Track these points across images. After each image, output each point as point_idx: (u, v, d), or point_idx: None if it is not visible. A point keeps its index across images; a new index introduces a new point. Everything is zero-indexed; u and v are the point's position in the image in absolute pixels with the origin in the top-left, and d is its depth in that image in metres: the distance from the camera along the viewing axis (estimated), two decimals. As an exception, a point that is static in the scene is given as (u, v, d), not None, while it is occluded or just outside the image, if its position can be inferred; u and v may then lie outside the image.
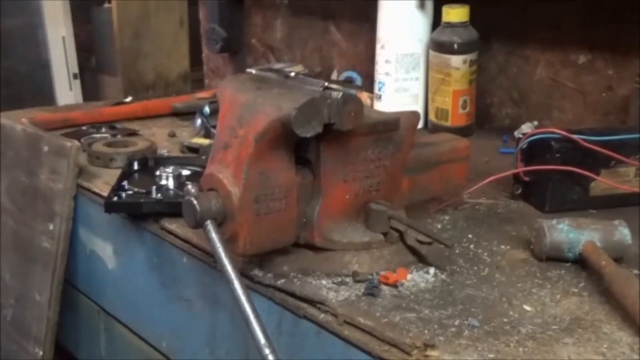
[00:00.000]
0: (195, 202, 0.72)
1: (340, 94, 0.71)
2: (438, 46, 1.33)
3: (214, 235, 0.70)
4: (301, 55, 1.74)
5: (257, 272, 0.81)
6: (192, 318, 0.97)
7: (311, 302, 0.76)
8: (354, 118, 0.73)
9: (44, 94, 2.62)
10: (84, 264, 1.21)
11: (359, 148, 0.80)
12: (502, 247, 0.88)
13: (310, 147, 0.77)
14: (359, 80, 1.53)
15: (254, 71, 0.81)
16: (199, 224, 0.73)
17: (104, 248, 1.15)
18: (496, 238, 0.91)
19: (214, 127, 1.20)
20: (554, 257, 0.83)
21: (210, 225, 0.71)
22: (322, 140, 0.76)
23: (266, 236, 0.76)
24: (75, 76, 2.67)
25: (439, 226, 0.94)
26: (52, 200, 1.17)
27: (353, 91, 0.76)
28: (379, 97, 1.41)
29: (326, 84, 0.76)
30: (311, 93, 0.72)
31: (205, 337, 0.95)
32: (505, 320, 0.71)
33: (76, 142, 1.18)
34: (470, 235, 0.91)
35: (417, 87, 1.39)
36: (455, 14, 1.30)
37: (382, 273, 0.80)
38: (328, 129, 0.73)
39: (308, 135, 0.72)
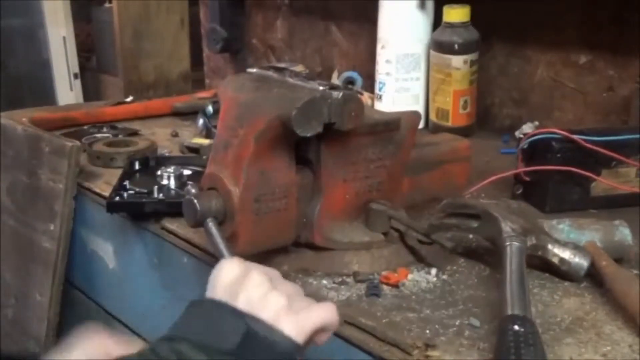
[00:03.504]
0: (195, 200, 0.72)
1: (341, 93, 0.71)
2: (439, 46, 1.33)
3: (215, 232, 0.70)
4: (302, 55, 1.74)
5: (258, 272, 0.81)
6: (192, 318, 0.96)
7: (312, 302, 0.76)
8: (355, 118, 0.73)
9: (44, 94, 2.62)
10: (84, 264, 1.21)
11: (359, 148, 0.80)
12: (503, 247, 0.88)
13: (310, 147, 0.77)
14: (359, 81, 1.53)
15: (254, 70, 0.81)
16: (199, 223, 0.73)
17: (104, 248, 1.15)
18: (497, 238, 0.90)
19: (216, 127, 1.20)
20: (555, 258, 0.83)
21: (211, 222, 0.71)
22: (323, 139, 0.76)
23: (266, 236, 0.76)
24: (75, 76, 2.67)
25: (440, 226, 0.94)
26: (53, 200, 1.17)
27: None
28: (380, 97, 1.41)
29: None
30: (312, 92, 0.71)
31: (205, 337, 0.95)
32: (506, 320, 0.71)
33: (77, 142, 1.17)
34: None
35: (418, 87, 1.39)
36: (456, 14, 1.30)
37: (384, 273, 0.80)
38: (328, 129, 0.73)
39: (308, 135, 0.72)
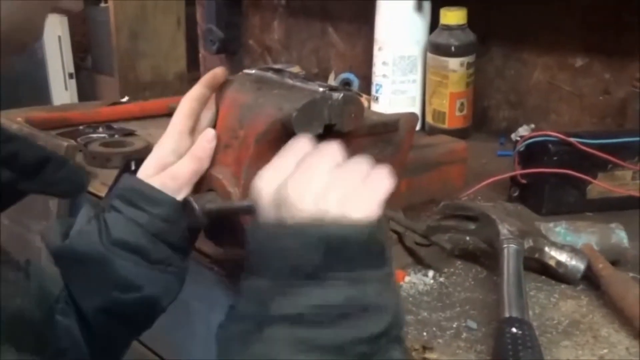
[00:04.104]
0: (192, 201, 0.71)
1: (341, 94, 0.71)
2: (435, 48, 1.33)
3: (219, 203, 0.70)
4: (298, 57, 1.74)
5: (255, 273, 0.81)
6: (188, 319, 0.96)
7: (309, 303, 0.76)
8: (355, 119, 0.73)
9: (39, 94, 2.61)
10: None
11: (358, 149, 0.79)
12: (500, 249, 0.88)
13: (309, 148, 0.77)
14: (356, 82, 1.53)
15: (253, 71, 0.81)
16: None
17: (100, 248, 1.14)
18: (494, 240, 0.91)
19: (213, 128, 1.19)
20: (552, 260, 0.83)
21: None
22: (322, 141, 0.76)
23: (265, 237, 0.76)
24: (70, 76, 2.66)
25: (437, 228, 0.94)
26: (48, 200, 1.16)
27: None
28: (376, 99, 1.41)
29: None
30: (312, 94, 0.71)
31: (201, 338, 0.95)
32: (503, 322, 0.71)
33: (72, 142, 1.17)
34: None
35: (414, 90, 1.39)
36: (452, 17, 1.30)
37: (381, 275, 0.80)
38: (328, 130, 0.73)
39: (308, 136, 0.71)
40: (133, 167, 1.13)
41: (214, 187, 0.74)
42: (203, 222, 0.71)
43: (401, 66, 1.37)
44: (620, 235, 0.83)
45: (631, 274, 0.80)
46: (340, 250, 0.50)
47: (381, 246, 0.52)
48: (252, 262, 0.53)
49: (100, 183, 1.14)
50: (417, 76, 1.38)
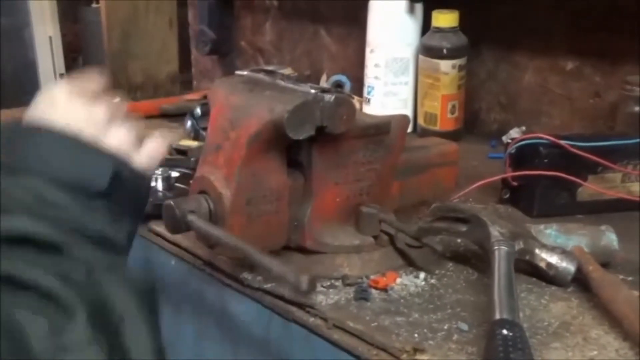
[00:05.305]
0: (174, 205, 0.71)
1: (333, 96, 0.71)
2: (427, 51, 1.33)
3: (201, 223, 0.70)
4: (290, 58, 1.74)
5: (247, 275, 0.81)
6: (178, 322, 0.96)
7: (300, 305, 0.76)
8: (347, 121, 0.74)
9: (29, 94, 2.58)
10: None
11: (350, 151, 0.80)
12: (491, 251, 0.88)
13: (302, 150, 0.77)
14: (348, 84, 1.53)
15: (245, 73, 0.81)
16: (178, 227, 0.72)
17: (90, 250, 1.14)
18: (485, 242, 0.91)
19: (204, 129, 1.19)
20: (542, 262, 0.83)
21: (192, 217, 0.70)
22: (314, 142, 0.76)
23: (257, 239, 0.76)
24: (62, 76, 2.65)
25: (428, 230, 0.95)
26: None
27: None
28: (368, 101, 1.41)
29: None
30: (304, 95, 0.71)
31: (191, 341, 0.95)
32: (494, 324, 0.71)
33: (64, 143, 1.16)
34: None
35: (406, 92, 1.39)
36: (444, 19, 1.31)
37: (372, 277, 0.80)
38: (320, 132, 0.73)
39: (300, 138, 0.72)
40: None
41: (205, 189, 0.74)
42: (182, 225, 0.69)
43: (393, 68, 1.37)
44: (610, 238, 0.83)
45: (621, 276, 0.81)
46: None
47: None
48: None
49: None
50: (409, 78, 1.38)
